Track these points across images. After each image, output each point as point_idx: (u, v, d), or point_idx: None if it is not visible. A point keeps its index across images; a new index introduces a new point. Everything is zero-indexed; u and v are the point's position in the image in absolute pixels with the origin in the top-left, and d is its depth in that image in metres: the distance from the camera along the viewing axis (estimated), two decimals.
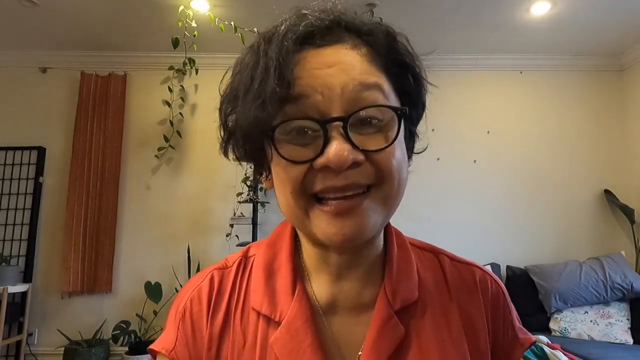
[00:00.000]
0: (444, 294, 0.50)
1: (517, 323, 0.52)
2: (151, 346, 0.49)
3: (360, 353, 0.45)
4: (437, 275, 0.51)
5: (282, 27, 0.43)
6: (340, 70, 0.41)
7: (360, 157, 0.40)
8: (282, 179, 0.42)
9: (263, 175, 0.48)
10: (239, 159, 0.48)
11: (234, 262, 0.52)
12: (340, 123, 0.39)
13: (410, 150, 0.49)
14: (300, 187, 0.41)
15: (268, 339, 0.45)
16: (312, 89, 0.40)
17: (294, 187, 0.41)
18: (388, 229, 0.52)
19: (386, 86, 0.43)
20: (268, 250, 0.51)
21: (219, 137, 0.48)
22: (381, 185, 0.41)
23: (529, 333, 0.53)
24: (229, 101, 0.45)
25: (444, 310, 0.48)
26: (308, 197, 0.42)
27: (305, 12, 0.44)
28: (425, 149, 0.53)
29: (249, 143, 0.44)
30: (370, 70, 0.42)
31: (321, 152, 0.39)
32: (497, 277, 0.53)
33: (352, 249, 0.46)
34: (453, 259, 0.54)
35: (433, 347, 0.45)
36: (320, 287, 0.48)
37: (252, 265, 0.51)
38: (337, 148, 0.38)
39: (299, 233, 0.50)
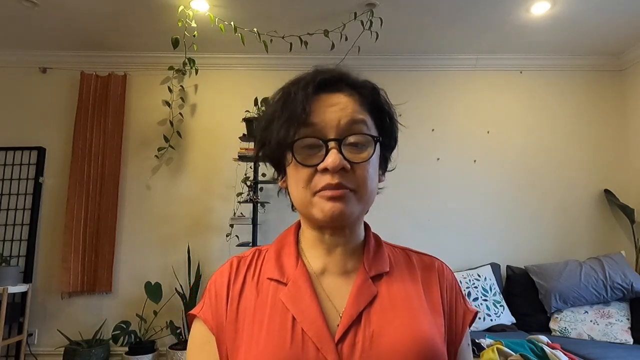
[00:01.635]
0: (410, 269, 0.70)
1: (466, 298, 0.72)
2: (189, 312, 0.70)
3: (345, 302, 0.63)
4: (404, 260, 0.72)
5: (306, 79, 0.65)
6: (339, 109, 0.63)
7: (347, 165, 0.61)
8: (296, 178, 0.64)
9: (280, 177, 0.70)
10: (266, 162, 0.70)
11: (250, 253, 0.72)
12: (336, 142, 0.61)
13: (383, 170, 0.72)
14: (308, 183, 0.62)
15: (278, 295, 0.63)
16: (320, 119, 0.62)
17: (304, 183, 0.62)
18: (367, 230, 0.73)
19: (369, 122, 0.65)
20: (278, 244, 0.72)
21: (255, 149, 0.72)
22: (358, 190, 0.62)
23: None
24: (265, 121, 0.67)
25: (410, 278, 0.68)
26: (312, 192, 0.62)
27: (321, 70, 0.66)
28: (394, 169, 0.74)
29: (277, 151, 0.65)
30: (359, 110, 0.64)
31: (323, 160, 0.61)
32: (449, 266, 0.75)
33: (339, 228, 0.66)
34: (418, 253, 0.74)
35: (399, 298, 0.64)
36: (315, 260, 0.68)
37: (265, 254, 0.71)
38: (333, 157, 0.60)
39: (302, 223, 0.72)
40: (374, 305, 0.62)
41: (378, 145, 0.65)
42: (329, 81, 0.65)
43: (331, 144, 0.61)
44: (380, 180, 0.69)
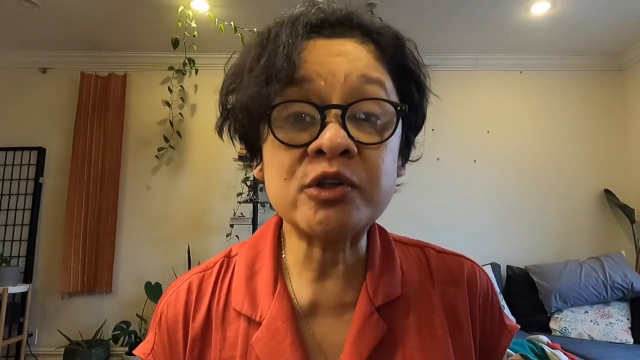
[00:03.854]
0: (429, 289, 0.49)
1: (503, 311, 0.53)
2: (134, 350, 0.51)
3: (342, 353, 0.45)
4: (422, 270, 0.51)
5: (295, 13, 0.44)
6: (346, 60, 0.41)
7: (353, 147, 0.40)
8: (274, 166, 0.43)
9: (255, 162, 0.49)
10: (232, 138, 0.49)
11: (215, 264, 0.52)
12: (338, 111, 0.40)
13: (405, 158, 0.51)
14: (292, 174, 0.41)
15: (249, 339, 0.45)
16: (317, 74, 0.41)
17: (287, 172, 0.41)
18: (372, 232, 0.52)
19: (389, 85, 0.43)
20: (250, 250, 0.51)
21: (217, 115, 0.49)
22: (367, 188, 0.41)
23: (513, 320, 0.54)
24: (232, 78, 0.46)
25: (428, 306, 0.48)
26: (298, 187, 0.41)
27: (319, 3, 0.45)
28: (419, 158, 0.53)
29: (247, 119, 0.44)
30: (375, 66, 0.43)
31: (316, 137, 0.39)
32: (483, 268, 0.54)
33: (335, 244, 0.46)
34: (439, 251, 0.54)
35: (416, 344, 0.45)
36: (301, 287, 0.48)
37: (234, 266, 0.51)
38: (332, 133, 0.38)
39: (284, 229, 0.51)
40: (381, 354, 0.44)
41: (401, 121, 0.43)
42: (331, 19, 0.44)
43: (330, 114, 0.40)
44: (399, 174, 0.49)
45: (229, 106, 0.47)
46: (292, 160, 0.41)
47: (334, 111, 0.40)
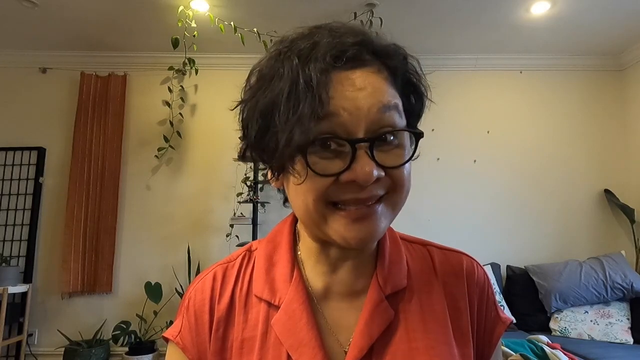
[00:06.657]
0: (431, 280, 0.55)
1: (498, 304, 0.58)
2: (163, 334, 0.58)
3: (352, 333, 0.50)
4: (425, 264, 0.57)
5: (318, 47, 0.46)
6: (368, 94, 0.45)
7: (382, 173, 0.45)
8: (306, 187, 0.46)
9: (274, 176, 0.51)
10: (255, 162, 0.53)
11: (237, 256, 0.58)
12: (367, 144, 0.44)
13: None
14: (323, 196, 0.45)
15: (269, 321, 0.51)
16: (343, 109, 0.44)
17: (318, 196, 0.45)
18: None
19: (400, 105, 0.48)
20: (269, 245, 0.57)
21: (239, 141, 0.54)
22: (393, 194, 0.47)
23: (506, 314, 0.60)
24: (262, 111, 0.47)
25: (430, 294, 0.54)
26: (328, 204, 0.46)
27: (337, 31, 0.48)
28: (418, 156, 0.56)
29: (280, 156, 0.46)
30: (391, 93, 0.47)
31: (348, 167, 0.44)
32: (480, 263, 0.60)
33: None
34: (441, 247, 0.60)
35: (419, 326, 0.51)
36: (315, 276, 0.54)
37: (254, 259, 0.57)
38: (364, 166, 0.43)
39: (299, 227, 0.57)
40: (388, 336, 0.50)
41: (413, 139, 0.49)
42: (349, 52, 0.46)
43: (360, 149, 0.44)
44: None
45: (252, 135, 0.50)
46: (325, 186, 0.45)
47: (363, 144, 0.44)
